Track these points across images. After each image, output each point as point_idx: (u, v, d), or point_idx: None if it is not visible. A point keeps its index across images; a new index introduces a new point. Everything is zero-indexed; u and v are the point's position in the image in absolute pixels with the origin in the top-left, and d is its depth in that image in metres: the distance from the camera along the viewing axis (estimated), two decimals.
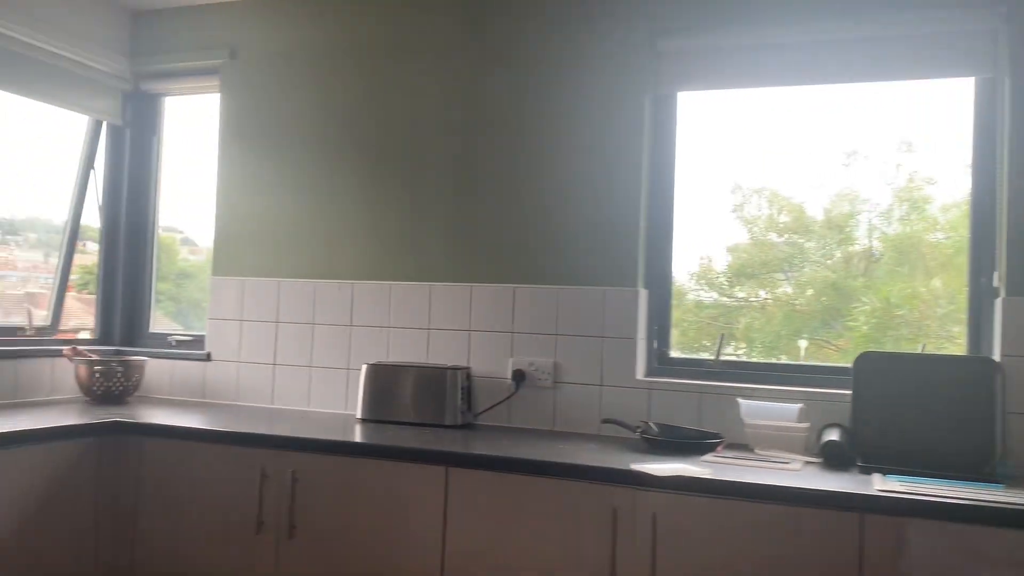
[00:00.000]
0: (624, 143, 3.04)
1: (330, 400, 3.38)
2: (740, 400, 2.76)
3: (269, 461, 2.69)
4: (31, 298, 3.72)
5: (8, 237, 3.67)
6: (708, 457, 2.52)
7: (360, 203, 3.40)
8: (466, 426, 3.03)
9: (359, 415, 3.11)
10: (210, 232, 3.67)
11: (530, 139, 3.16)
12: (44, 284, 3.76)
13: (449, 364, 3.14)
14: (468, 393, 3.08)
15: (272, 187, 3.54)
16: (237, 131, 3.62)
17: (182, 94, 3.90)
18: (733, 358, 3.08)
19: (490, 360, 3.17)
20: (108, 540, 2.85)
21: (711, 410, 2.87)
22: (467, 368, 3.12)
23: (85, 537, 2.79)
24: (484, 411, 3.13)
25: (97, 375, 3.34)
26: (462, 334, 3.22)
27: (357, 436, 2.81)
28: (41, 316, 3.65)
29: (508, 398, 3.11)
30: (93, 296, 3.89)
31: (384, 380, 3.09)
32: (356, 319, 3.37)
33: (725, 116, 3.12)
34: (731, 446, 2.71)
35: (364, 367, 3.13)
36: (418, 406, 3.03)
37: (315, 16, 3.51)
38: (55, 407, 3.21)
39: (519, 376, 3.10)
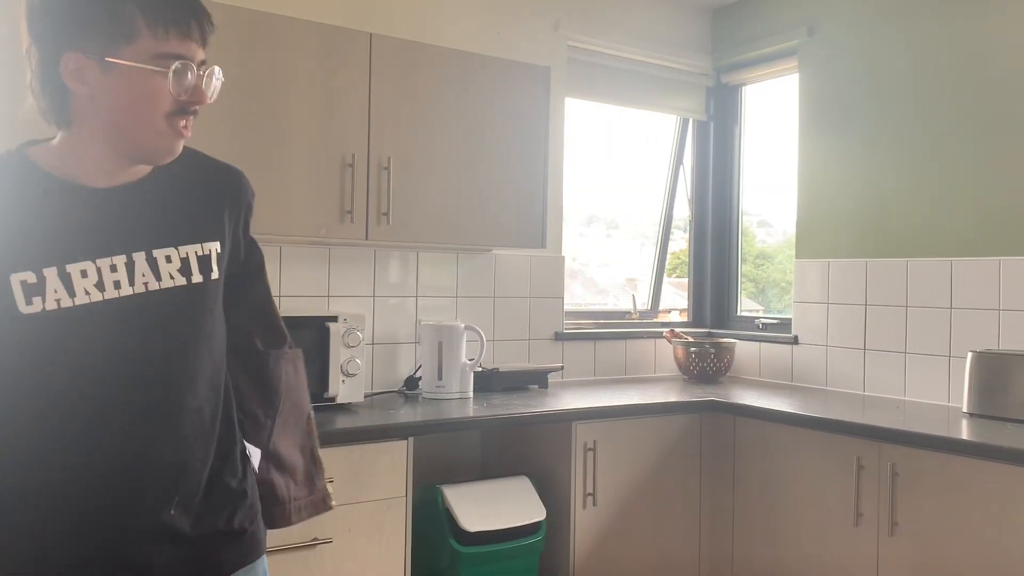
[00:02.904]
0: None
1: (928, 390, 3.10)
2: None
3: (865, 452, 2.58)
4: (629, 283, 4.18)
5: (611, 231, 4.19)
6: None
7: (960, 170, 3.04)
8: None
9: (965, 409, 2.79)
10: (785, 213, 3.67)
11: None
12: (641, 271, 4.19)
13: None
14: None
15: (856, 163, 3.38)
16: (817, 109, 3.54)
17: (760, 80, 3.96)
18: None
19: None
20: (710, 507, 3.07)
21: None
22: None
23: (691, 502, 3.05)
24: None
25: (693, 356, 3.61)
26: None
27: (965, 433, 2.55)
28: (641, 300, 4.08)
29: None
30: (683, 280, 4.21)
31: (995, 371, 2.72)
32: (957, 301, 3.04)
33: None
34: None
35: (969, 355, 2.80)
36: None
37: None
38: (659, 384, 3.57)
39: None
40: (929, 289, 3.12)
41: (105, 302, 1.16)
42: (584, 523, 2.82)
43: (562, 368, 3.48)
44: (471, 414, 2.74)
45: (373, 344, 3.10)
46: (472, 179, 2.93)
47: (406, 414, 2.69)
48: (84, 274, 1.14)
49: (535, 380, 3.30)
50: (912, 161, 3.19)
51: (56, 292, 1.13)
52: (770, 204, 4.06)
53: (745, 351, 3.78)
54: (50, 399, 1.16)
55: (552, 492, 2.84)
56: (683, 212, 4.14)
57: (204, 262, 1.25)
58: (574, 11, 3.58)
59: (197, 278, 1.23)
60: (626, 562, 2.91)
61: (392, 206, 2.74)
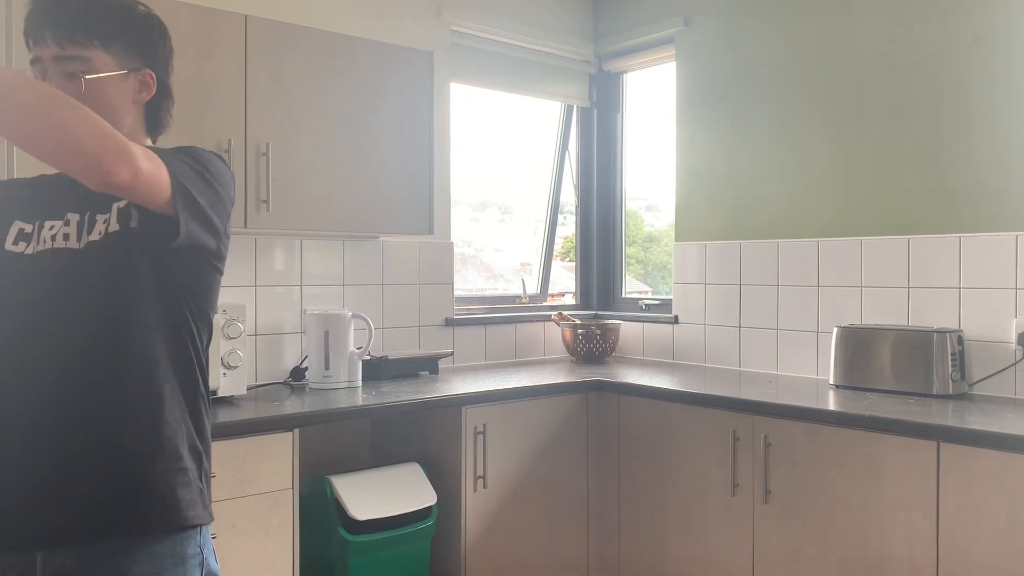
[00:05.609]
0: None
1: (799, 364, 3.28)
2: None
3: (741, 424, 2.70)
4: (524, 268, 4.23)
5: (505, 216, 4.22)
6: None
7: (824, 155, 3.21)
8: (959, 396, 2.71)
9: (832, 381, 2.96)
10: (670, 198, 3.78)
11: None
12: (534, 256, 4.25)
13: (935, 327, 2.82)
14: (960, 359, 2.74)
15: (729, 149, 3.52)
16: (693, 97, 3.66)
17: (640, 68, 4.06)
18: None
19: (987, 322, 2.78)
20: (597, 483, 3.15)
21: None
22: (958, 331, 2.77)
23: (579, 476, 3.13)
24: (981, 380, 2.76)
25: (580, 337, 3.69)
26: (950, 292, 2.87)
27: (831, 403, 2.70)
28: (532, 284, 4.13)
29: (1013, 365, 2.70)
30: (573, 263, 4.29)
31: (859, 344, 2.89)
32: (824, 279, 3.21)
33: None
34: None
35: (835, 330, 2.97)
36: (899, 373, 2.78)
37: None
38: (548, 366, 3.63)
39: None
40: (798, 268, 3.29)
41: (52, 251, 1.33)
42: (475, 506, 2.85)
43: (452, 353, 3.49)
44: (359, 403, 2.72)
45: (256, 335, 3.03)
46: (356, 165, 2.89)
47: (292, 405, 2.65)
48: (52, 228, 1.35)
49: (425, 366, 3.30)
50: (779, 148, 3.34)
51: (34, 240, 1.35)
52: (657, 189, 4.18)
53: (630, 331, 3.88)
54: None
55: (443, 477, 2.86)
56: (571, 197, 4.21)
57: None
58: None
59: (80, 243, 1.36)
60: (516, 541, 2.96)
61: (272, 193, 2.68)
